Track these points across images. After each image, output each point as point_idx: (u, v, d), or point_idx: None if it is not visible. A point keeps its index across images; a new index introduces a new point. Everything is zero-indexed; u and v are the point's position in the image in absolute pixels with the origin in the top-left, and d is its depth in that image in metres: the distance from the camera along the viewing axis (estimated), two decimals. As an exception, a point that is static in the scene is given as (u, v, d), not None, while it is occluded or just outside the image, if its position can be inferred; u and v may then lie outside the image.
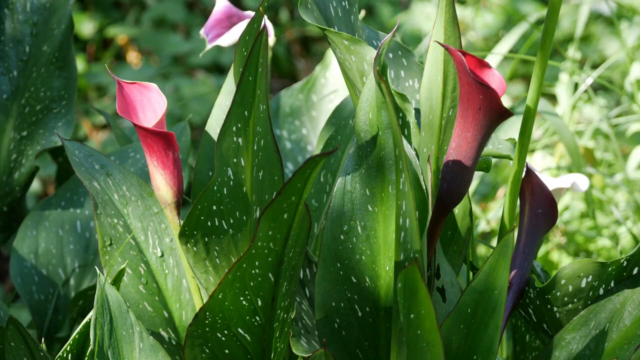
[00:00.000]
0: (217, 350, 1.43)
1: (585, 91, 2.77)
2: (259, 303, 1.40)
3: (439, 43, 1.38)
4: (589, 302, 1.46)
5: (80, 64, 3.79)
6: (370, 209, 1.38)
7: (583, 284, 1.45)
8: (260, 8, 1.44)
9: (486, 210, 2.85)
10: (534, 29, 3.47)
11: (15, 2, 1.96)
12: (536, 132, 2.92)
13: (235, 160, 1.43)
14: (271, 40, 1.96)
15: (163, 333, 1.56)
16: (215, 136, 1.60)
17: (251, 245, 1.34)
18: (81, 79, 3.69)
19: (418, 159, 1.44)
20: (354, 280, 1.40)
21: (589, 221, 2.56)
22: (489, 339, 1.37)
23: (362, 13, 2.05)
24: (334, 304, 1.42)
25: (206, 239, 1.46)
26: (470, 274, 1.62)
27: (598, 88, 3.24)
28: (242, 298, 1.39)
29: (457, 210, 1.54)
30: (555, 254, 2.53)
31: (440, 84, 1.43)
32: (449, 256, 1.54)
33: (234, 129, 1.42)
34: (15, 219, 2.02)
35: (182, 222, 1.47)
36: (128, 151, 1.96)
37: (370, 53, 1.43)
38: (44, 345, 1.54)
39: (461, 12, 3.84)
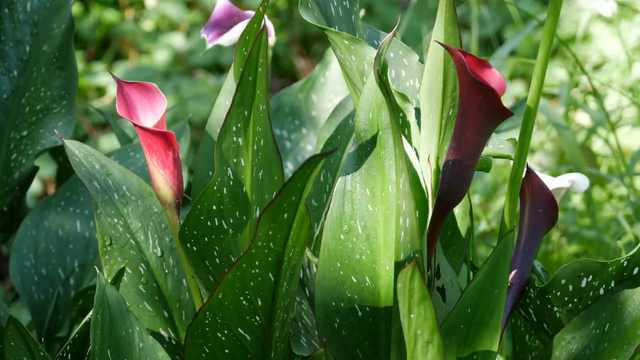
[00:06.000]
0: (217, 350, 1.43)
1: (586, 91, 2.77)
2: (259, 303, 1.40)
3: (439, 43, 1.38)
4: (589, 302, 1.45)
5: (80, 64, 3.79)
6: (370, 208, 1.38)
7: (583, 284, 1.44)
8: (260, 8, 1.44)
9: (486, 210, 2.85)
10: (534, 29, 3.47)
11: (15, 2, 1.96)
12: (536, 132, 2.92)
13: (235, 160, 1.43)
14: (272, 40, 1.96)
15: (163, 333, 1.56)
16: (215, 136, 1.60)
17: (251, 245, 1.34)
18: (81, 78, 3.69)
19: (418, 159, 1.44)
20: (354, 280, 1.40)
21: (589, 221, 2.57)
22: (489, 339, 1.37)
23: (361, 12, 2.05)
24: (334, 303, 1.42)
25: (206, 239, 1.46)
26: (471, 273, 1.62)
27: (598, 88, 3.24)
28: (242, 298, 1.39)
29: (457, 210, 1.54)
30: (555, 254, 2.53)
31: (441, 84, 1.43)
32: (449, 256, 1.54)
33: (234, 128, 1.42)
34: (15, 218, 2.02)
35: (182, 222, 1.47)
36: (128, 151, 1.96)
37: (371, 53, 1.43)
38: (43, 345, 1.54)
39: (461, 11, 3.84)
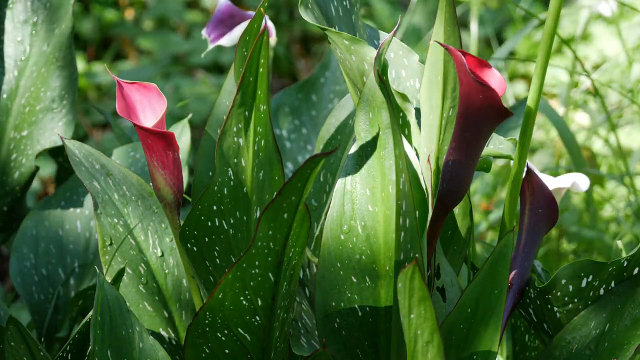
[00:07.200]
0: (217, 350, 1.43)
1: (586, 91, 2.77)
2: (259, 303, 1.40)
3: (439, 43, 1.38)
4: (589, 302, 1.45)
5: (80, 64, 3.79)
6: (370, 208, 1.38)
7: (583, 284, 1.45)
8: (261, 8, 1.44)
9: (486, 210, 2.85)
10: (534, 29, 3.47)
11: (15, 2, 1.96)
12: (536, 132, 2.92)
13: (235, 160, 1.43)
14: (273, 40, 1.96)
15: (163, 333, 1.56)
16: (215, 136, 1.60)
17: (251, 245, 1.34)
18: (81, 78, 3.69)
19: (418, 159, 1.44)
20: (354, 280, 1.40)
21: (589, 221, 2.56)
22: (489, 339, 1.37)
23: (361, 11, 2.05)
24: (334, 304, 1.42)
25: (206, 239, 1.46)
26: (471, 273, 1.62)
27: (598, 88, 3.24)
28: (242, 298, 1.39)
29: (457, 210, 1.54)
30: (555, 254, 2.53)
31: (440, 84, 1.43)
32: (449, 256, 1.54)
33: (235, 129, 1.42)
34: (15, 218, 2.02)
35: (182, 222, 1.47)
36: (128, 151, 1.96)
37: (371, 53, 1.43)
38: (43, 345, 1.54)
39: (461, 11, 3.84)
